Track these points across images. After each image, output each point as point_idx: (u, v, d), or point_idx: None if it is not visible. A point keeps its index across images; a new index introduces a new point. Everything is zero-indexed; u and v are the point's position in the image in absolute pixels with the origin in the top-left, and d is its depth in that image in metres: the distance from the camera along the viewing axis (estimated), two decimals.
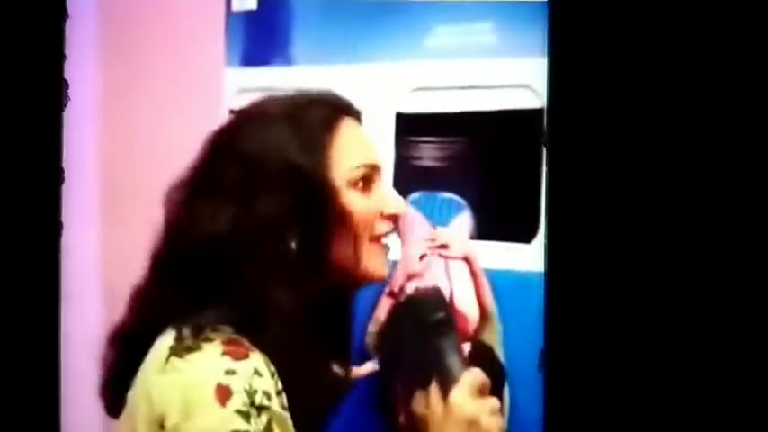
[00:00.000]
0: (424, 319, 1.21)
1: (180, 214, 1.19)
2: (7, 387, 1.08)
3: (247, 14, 2.19)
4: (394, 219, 1.28)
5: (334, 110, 1.26)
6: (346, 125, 1.25)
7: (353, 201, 1.20)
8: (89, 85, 1.67)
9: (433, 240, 2.00)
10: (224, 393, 1.03)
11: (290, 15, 2.16)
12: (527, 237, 1.96)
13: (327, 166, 1.18)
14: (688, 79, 1.04)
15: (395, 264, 1.97)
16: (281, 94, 1.31)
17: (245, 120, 1.26)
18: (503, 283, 1.97)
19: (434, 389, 1.20)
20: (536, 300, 1.77)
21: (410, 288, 1.97)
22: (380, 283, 1.91)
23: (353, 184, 1.21)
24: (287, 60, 2.16)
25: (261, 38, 2.19)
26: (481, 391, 1.17)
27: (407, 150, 2.07)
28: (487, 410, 1.16)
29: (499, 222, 2.02)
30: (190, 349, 1.05)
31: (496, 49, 1.96)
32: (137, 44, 2.05)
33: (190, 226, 1.15)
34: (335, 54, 2.07)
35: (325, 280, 1.19)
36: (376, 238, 1.25)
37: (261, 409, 1.05)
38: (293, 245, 1.14)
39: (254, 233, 1.12)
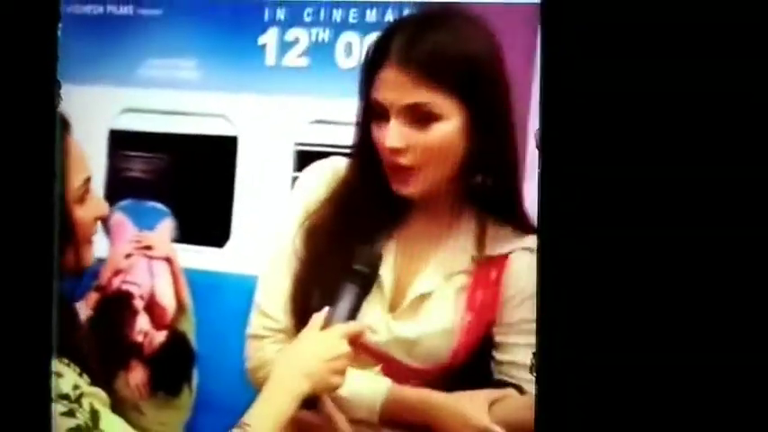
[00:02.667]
0: None
1: None
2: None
3: None
4: (102, 219, 1.45)
5: (65, 127, 1.37)
6: (71, 141, 1.37)
7: (78, 213, 1.34)
8: None
9: (138, 242, 2.24)
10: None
11: None
12: (220, 242, 2.24)
13: (67, 189, 1.30)
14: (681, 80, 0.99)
15: (103, 261, 2.18)
16: None
17: None
18: (198, 281, 2.24)
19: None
20: (227, 296, 2.10)
21: (116, 282, 2.21)
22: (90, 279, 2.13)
23: (79, 199, 1.35)
24: None
25: None
26: None
27: (119, 163, 2.26)
28: None
29: (197, 229, 2.28)
30: None
31: (200, 83, 2.23)
32: None
33: None
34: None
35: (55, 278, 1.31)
36: (89, 239, 1.43)
37: (79, 397, 1.23)
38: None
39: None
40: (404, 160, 1.49)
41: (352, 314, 1.42)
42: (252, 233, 2.21)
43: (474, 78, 1.46)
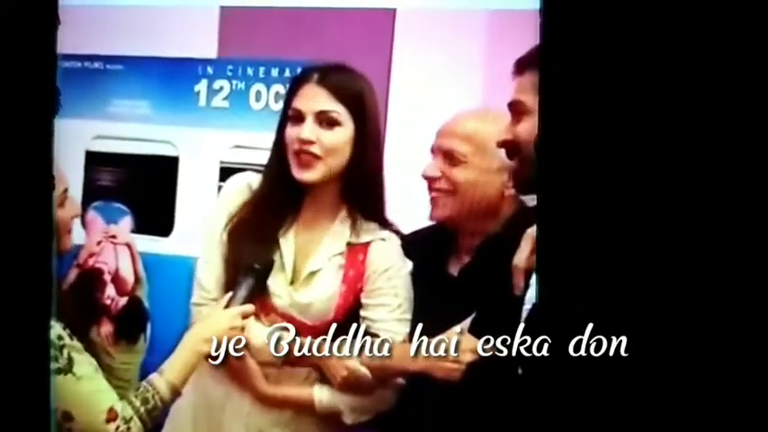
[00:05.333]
0: None
1: None
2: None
3: None
4: (76, 217, 1.80)
5: None
6: (55, 165, 1.59)
7: (59, 213, 1.65)
8: None
9: (106, 233, 2.72)
10: None
11: None
12: (166, 233, 2.85)
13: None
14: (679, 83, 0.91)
15: (81, 246, 2.67)
16: None
17: None
18: (150, 260, 2.71)
19: None
20: (171, 272, 2.65)
21: (91, 261, 2.76)
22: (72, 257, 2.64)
23: (60, 203, 1.66)
24: None
25: None
26: None
27: (92, 175, 2.84)
28: None
29: (149, 223, 2.82)
30: None
31: (152, 118, 2.83)
32: None
33: None
34: None
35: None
36: (68, 232, 1.78)
37: (62, 347, 1.43)
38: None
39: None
40: (313, 149, 1.80)
41: (248, 300, 1.74)
42: (189, 226, 2.79)
43: (360, 102, 1.84)
